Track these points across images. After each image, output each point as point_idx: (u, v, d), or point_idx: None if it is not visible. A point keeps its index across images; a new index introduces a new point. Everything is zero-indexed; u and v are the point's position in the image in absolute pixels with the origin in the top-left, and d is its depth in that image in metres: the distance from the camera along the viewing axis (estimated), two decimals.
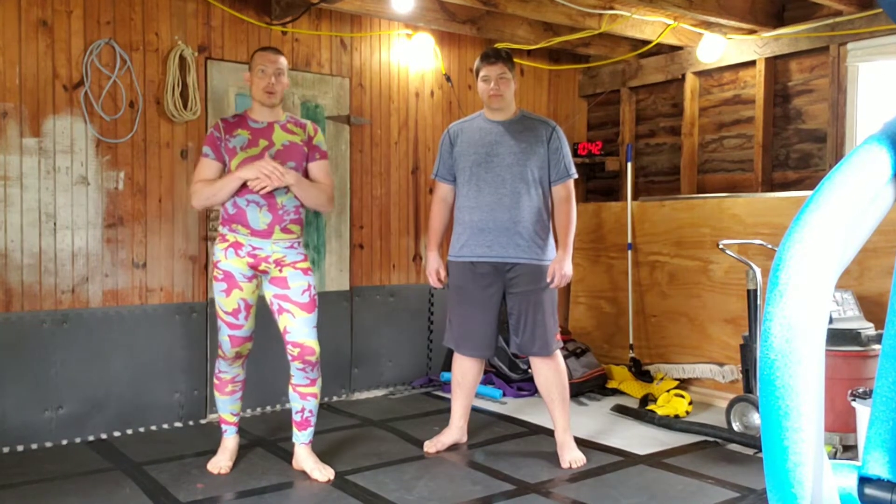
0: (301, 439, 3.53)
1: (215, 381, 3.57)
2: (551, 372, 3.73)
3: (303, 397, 3.48)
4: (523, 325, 3.73)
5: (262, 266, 3.37)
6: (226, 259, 3.35)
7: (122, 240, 4.20)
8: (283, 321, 3.40)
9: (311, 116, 4.82)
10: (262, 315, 3.62)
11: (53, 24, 3.97)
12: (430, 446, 3.88)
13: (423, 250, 5.35)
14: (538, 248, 3.71)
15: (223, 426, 3.63)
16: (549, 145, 3.73)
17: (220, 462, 3.55)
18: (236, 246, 3.35)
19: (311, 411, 3.50)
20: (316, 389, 3.50)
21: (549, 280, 3.68)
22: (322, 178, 3.49)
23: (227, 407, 3.58)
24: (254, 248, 3.34)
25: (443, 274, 3.88)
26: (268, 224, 3.33)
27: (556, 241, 3.79)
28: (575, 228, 3.79)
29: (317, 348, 3.42)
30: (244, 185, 3.30)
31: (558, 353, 3.77)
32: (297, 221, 3.42)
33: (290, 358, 3.43)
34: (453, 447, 3.94)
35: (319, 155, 3.51)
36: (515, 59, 3.94)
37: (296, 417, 3.52)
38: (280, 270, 3.38)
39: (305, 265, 3.43)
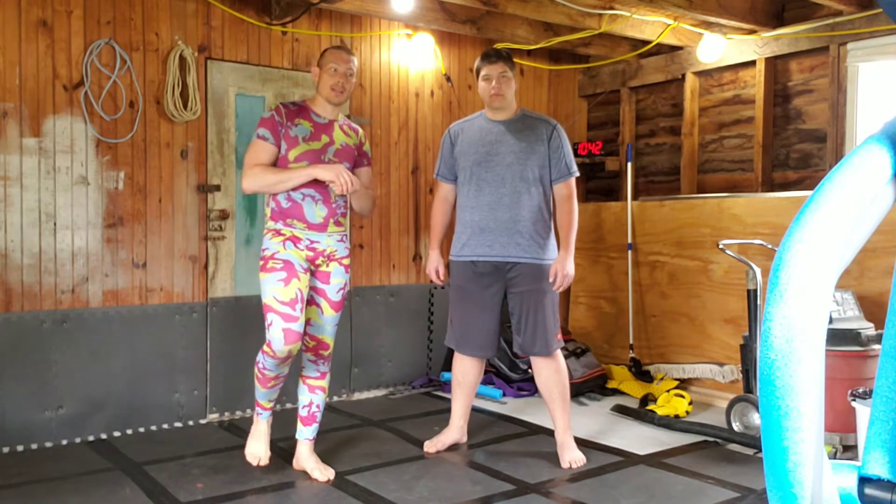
0: (305, 435, 3.51)
1: (258, 374, 3.35)
2: (552, 372, 3.73)
3: (311, 390, 3.48)
4: (524, 325, 3.72)
5: (319, 260, 3.36)
6: (285, 250, 3.28)
7: (122, 240, 4.20)
8: (310, 313, 3.39)
9: None
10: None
11: (53, 25, 3.97)
12: (430, 446, 3.88)
13: (424, 249, 5.36)
14: (539, 248, 3.70)
15: (258, 410, 3.48)
16: (550, 144, 3.72)
17: (259, 451, 3.42)
18: (294, 240, 3.31)
19: (318, 406, 3.49)
20: (325, 383, 3.51)
21: (551, 281, 3.67)
22: (368, 183, 3.54)
23: (266, 396, 3.44)
24: (312, 242, 3.33)
25: (442, 272, 3.87)
26: (324, 218, 3.34)
27: (557, 240, 3.79)
28: (577, 227, 3.78)
29: (332, 343, 3.47)
30: None
31: (559, 354, 3.77)
32: (345, 214, 3.47)
33: (303, 348, 3.43)
34: (453, 447, 3.94)
35: (367, 161, 3.58)
36: (515, 59, 3.94)
37: (302, 412, 3.50)
38: (327, 265, 3.39)
39: (348, 261, 3.48)
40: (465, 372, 3.89)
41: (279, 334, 3.17)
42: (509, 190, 3.68)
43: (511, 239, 3.67)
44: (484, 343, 3.83)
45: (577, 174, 3.81)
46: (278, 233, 3.32)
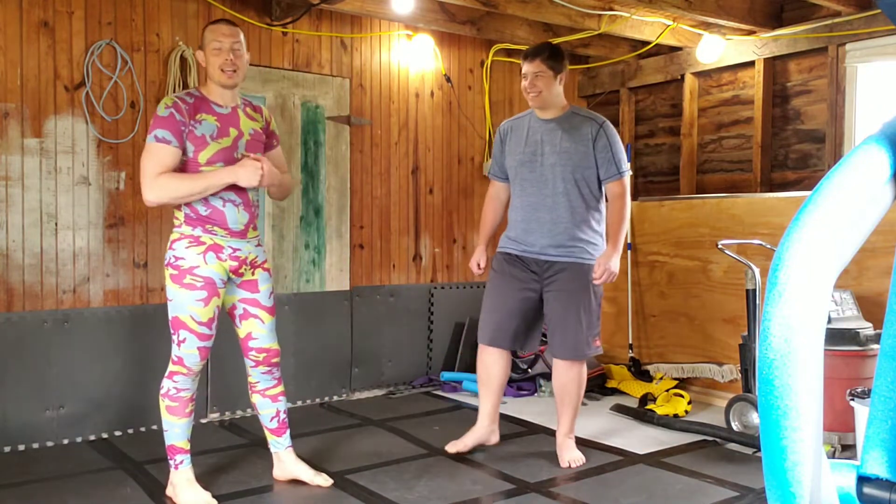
0: (284, 444, 3.39)
1: (170, 403, 3.13)
2: (569, 378, 3.67)
3: (274, 399, 3.34)
4: (553, 326, 3.67)
5: (242, 269, 3.14)
6: (206, 264, 3.02)
7: (123, 240, 4.20)
8: (248, 327, 3.22)
9: (312, 117, 4.83)
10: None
11: (55, 25, 3.98)
12: (453, 447, 3.77)
13: (424, 249, 5.36)
14: (581, 248, 3.64)
15: (179, 458, 3.16)
16: (596, 144, 3.63)
17: (203, 499, 3.13)
18: (216, 249, 3.05)
19: (284, 412, 3.39)
20: (282, 388, 3.39)
21: (595, 275, 3.58)
22: (282, 166, 3.31)
23: (185, 432, 3.16)
24: (234, 251, 3.09)
25: (483, 264, 3.84)
26: (244, 224, 3.12)
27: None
28: (628, 225, 3.72)
29: (279, 348, 3.32)
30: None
31: (583, 362, 3.70)
32: (258, 216, 3.24)
33: (252, 364, 3.26)
34: (479, 448, 3.84)
35: (276, 141, 3.33)
36: (514, 60, 3.93)
37: (271, 424, 3.36)
38: (253, 273, 3.20)
39: (269, 265, 3.29)
40: (488, 368, 3.77)
41: (194, 351, 3.06)
42: (551, 191, 3.64)
43: (553, 240, 3.64)
44: (502, 328, 3.69)
45: (629, 172, 3.70)
46: (197, 241, 3.04)
